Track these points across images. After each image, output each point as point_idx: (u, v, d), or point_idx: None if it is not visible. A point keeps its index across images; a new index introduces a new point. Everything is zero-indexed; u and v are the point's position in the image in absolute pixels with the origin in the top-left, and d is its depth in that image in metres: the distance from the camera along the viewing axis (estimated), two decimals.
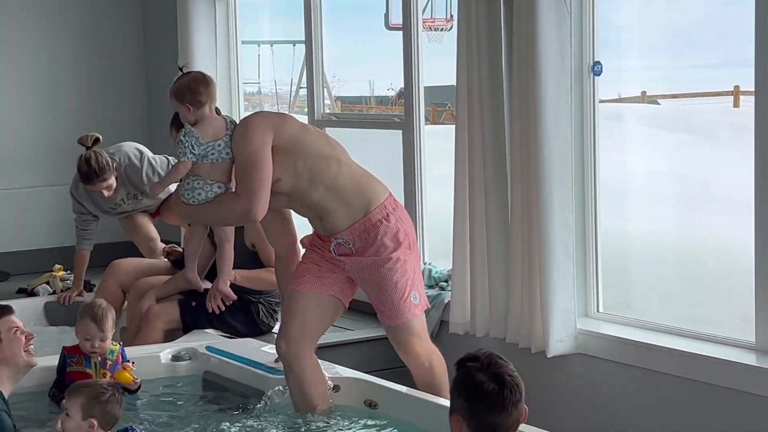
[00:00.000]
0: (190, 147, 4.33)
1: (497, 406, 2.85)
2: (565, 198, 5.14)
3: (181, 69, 4.53)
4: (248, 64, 8.42)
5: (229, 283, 4.82)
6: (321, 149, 4.41)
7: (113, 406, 3.89)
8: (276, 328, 6.22)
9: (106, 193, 6.35)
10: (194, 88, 4.37)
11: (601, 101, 5.40)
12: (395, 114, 7.07)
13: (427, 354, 4.56)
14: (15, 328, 4.26)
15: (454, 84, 5.56)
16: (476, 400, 2.85)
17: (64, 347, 4.89)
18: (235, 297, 4.82)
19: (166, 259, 6.46)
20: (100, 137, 6.44)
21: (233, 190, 4.37)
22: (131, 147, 6.52)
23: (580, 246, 5.30)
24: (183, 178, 4.44)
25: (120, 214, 6.78)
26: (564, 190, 5.13)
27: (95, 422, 3.86)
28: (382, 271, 4.40)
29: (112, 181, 6.34)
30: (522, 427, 3.74)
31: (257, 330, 5.98)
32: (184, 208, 4.42)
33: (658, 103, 7.09)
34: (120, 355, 4.85)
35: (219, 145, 4.36)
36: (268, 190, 4.29)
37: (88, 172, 6.23)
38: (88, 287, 7.13)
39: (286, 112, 4.49)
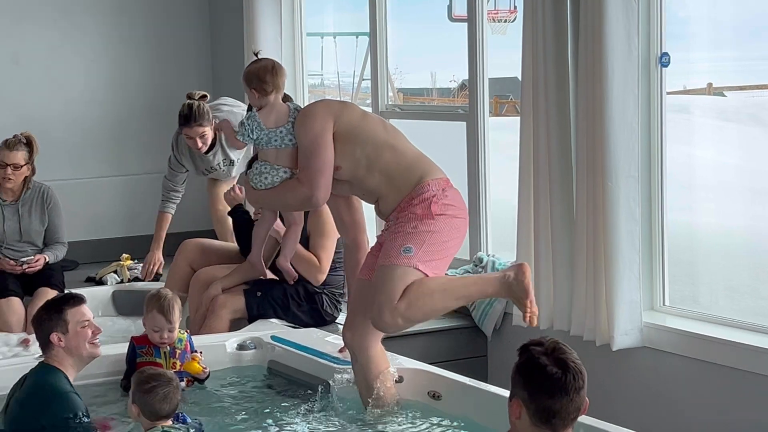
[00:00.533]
0: (249, 131, 4.44)
1: (560, 391, 2.82)
2: (631, 189, 5.10)
3: (256, 54, 4.64)
4: (312, 56, 8.47)
5: (289, 261, 4.80)
6: (377, 136, 4.42)
7: (152, 398, 3.91)
8: (340, 319, 6.26)
9: (199, 142, 6.55)
10: (261, 76, 4.46)
11: (668, 93, 5.34)
12: (459, 106, 7.06)
13: (381, 318, 4.22)
14: (85, 321, 4.33)
15: (517, 76, 5.54)
16: (539, 383, 2.84)
17: (132, 338, 4.96)
18: (295, 275, 4.81)
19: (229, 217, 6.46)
20: (207, 95, 6.63)
21: None
22: (237, 114, 6.60)
23: (647, 238, 5.25)
24: (252, 162, 4.55)
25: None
26: (630, 181, 5.09)
27: (135, 409, 3.94)
28: (397, 225, 4.31)
29: (208, 132, 6.56)
30: (586, 419, 3.76)
31: (321, 320, 6.02)
32: (253, 193, 4.50)
33: (725, 95, 7.00)
34: (188, 344, 4.91)
35: (281, 131, 4.42)
36: (329, 176, 4.34)
37: (188, 115, 6.47)
38: (156, 276, 7.23)
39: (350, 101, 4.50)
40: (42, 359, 4.35)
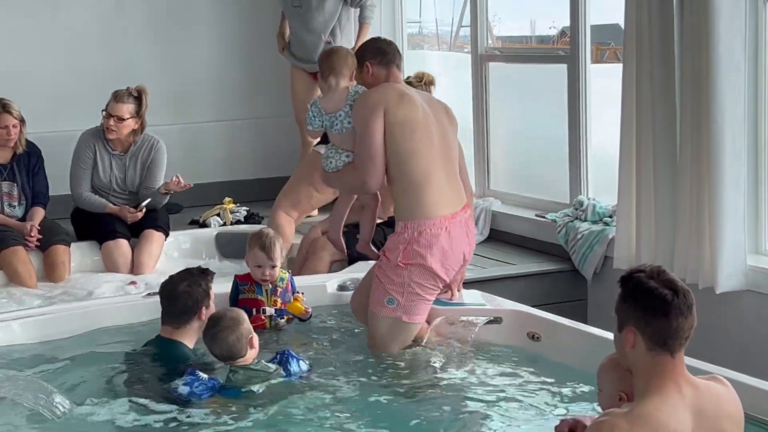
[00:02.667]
0: (312, 117, 4.57)
1: (674, 310, 2.82)
2: (737, 130, 5.01)
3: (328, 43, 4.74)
4: (411, 4, 8.43)
5: (369, 244, 4.83)
6: (411, 146, 4.40)
7: (206, 337, 4.07)
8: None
9: None
10: (320, 60, 4.64)
11: None
12: (560, 48, 6.98)
13: (376, 352, 4.55)
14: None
15: (618, 22, 5.46)
16: (652, 306, 2.83)
17: (236, 275, 5.06)
18: (377, 255, 4.71)
19: None
20: None
21: None
22: None
23: (752, 180, 5.17)
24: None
25: None
26: (736, 122, 5.00)
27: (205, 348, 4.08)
28: (381, 264, 4.51)
29: None
30: (690, 361, 3.73)
31: None
32: (323, 175, 4.65)
33: None
34: (290, 283, 5.00)
35: (340, 115, 4.50)
36: (380, 163, 4.38)
37: None
38: (256, 218, 7.35)
39: (414, 96, 4.45)
40: (148, 295, 4.42)
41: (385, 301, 4.46)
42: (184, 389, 3.94)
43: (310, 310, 4.93)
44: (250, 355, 4.12)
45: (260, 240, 4.94)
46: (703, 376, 2.97)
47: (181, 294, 4.27)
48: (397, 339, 4.52)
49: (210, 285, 4.36)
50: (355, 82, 4.61)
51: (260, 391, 4.03)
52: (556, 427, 3.16)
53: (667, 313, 2.82)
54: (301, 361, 4.23)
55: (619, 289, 2.94)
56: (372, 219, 4.81)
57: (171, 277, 4.41)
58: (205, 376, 4.00)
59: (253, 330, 4.16)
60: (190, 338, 4.31)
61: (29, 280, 6.17)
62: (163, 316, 4.34)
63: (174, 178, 6.56)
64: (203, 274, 4.38)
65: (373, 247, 4.82)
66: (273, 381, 4.09)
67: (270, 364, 4.15)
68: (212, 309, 4.32)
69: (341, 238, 4.92)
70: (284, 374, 4.15)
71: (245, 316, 4.20)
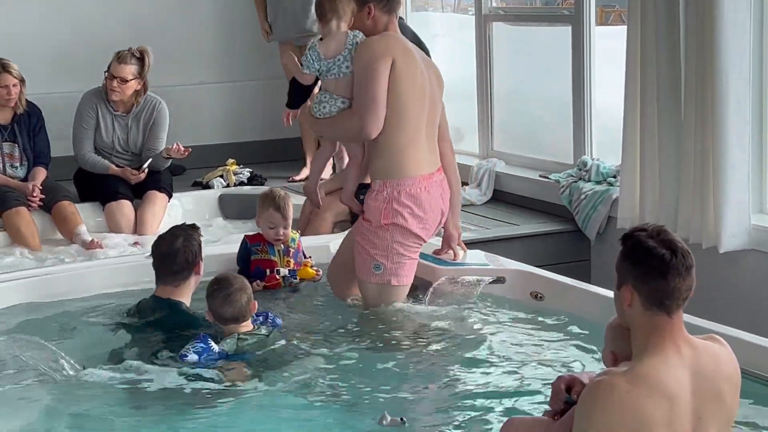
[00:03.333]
0: (311, 61, 4.46)
1: (671, 270, 2.79)
2: (741, 89, 4.98)
3: None
4: None
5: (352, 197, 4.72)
6: (406, 105, 4.38)
7: (215, 301, 3.99)
8: None
9: None
10: (320, 3, 4.53)
11: None
12: (564, 7, 6.93)
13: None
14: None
15: None
16: (649, 265, 2.80)
17: (246, 236, 5.04)
18: (358, 207, 4.65)
19: None
20: None
21: None
22: None
23: (757, 139, 5.14)
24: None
25: None
26: (741, 81, 4.97)
27: (209, 315, 4.03)
28: (362, 229, 4.48)
29: None
30: (693, 319, 3.74)
31: None
32: (311, 120, 4.56)
33: None
34: (300, 243, 5.00)
35: (338, 59, 4.43)
36: (381, 110, 4.33)
37: None
38: (259, 180, 7.33)
39: (415, 54, 4.41)
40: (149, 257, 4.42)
41: (372, 268, 4.45)
42: (193, 357, 3.92)
43: (320, 273, 4.94)
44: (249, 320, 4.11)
45: (274, 200, 4.92)
46: (701, 336, 2.96)
47: (179, 250, 4.21)
48: (385, 299, 4.52)
49: (200, 240, 4.33)
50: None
51: (266, 355, 4.02)
52: (552, 384, 3.16)
53: (665, 273, 2.78)
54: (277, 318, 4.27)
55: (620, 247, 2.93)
56: (358, 171, 4.68)
57: (163, 235, 4.35)
58: (215, 347, 3.96)
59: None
60: (187, 296, 4.28)
61: (32, 240, 6.17)
62: (160, 276, 4.26)
63: (174, 145, 6.54)
64: (193, 228, 4.35)
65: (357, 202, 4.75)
66: (276, 345, 4.09)
67: (262, 328, 4.13)
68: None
69: (317, 190, 4.81)
70: (280, 332, 4.17)
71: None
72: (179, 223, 4.51)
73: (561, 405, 3.04)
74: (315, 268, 4.96)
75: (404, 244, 4.47)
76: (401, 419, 3.33)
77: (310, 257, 5.02)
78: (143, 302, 4.32)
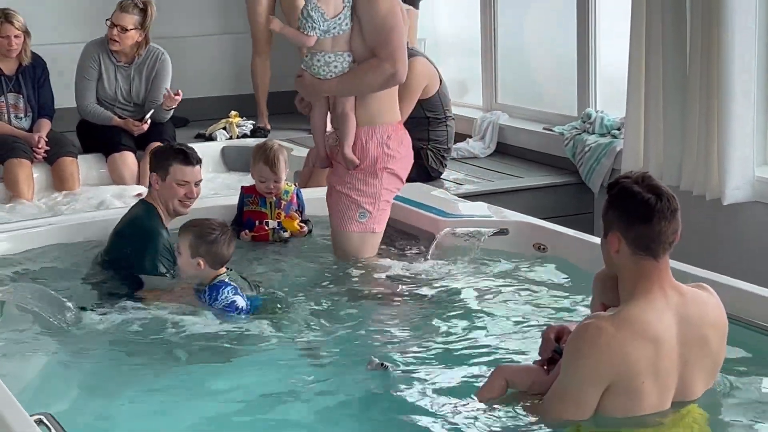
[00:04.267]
0: (318, 23, 4.34)
1: (657, 215, 2.84)
2: (747, 42, 4.95)
3: None
4: None
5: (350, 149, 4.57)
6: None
7: (219, 246, 3.99)
8: (445, 174, 6.29)
9: None
10: None
11: None
12: None
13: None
14: (183, 181, 4.39)
15: None
16: (635, 211, 2.85)
17: (242, 187, 5.06)
18: (358, 163, 4.52)
19: None
20: None
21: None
22: None
23: (762, 92, 5.12)
24: (305, 58, 4.45)
25: None
26: (747, 33, 4.94)
27: (202, 262, 4.01)
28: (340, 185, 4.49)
29: None
30: (696, 270, 3.76)
31: (427, 176, 6.05)
32: (325, 85, 4.42)
33: None
34: (295, 196, 4.99)
35: (339, 18, 4.36)
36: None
37: None
38: (262, 132, 7.33)
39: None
40: (137, 196, 4.51)
41: (356, 216, 4.47)
42: (241, 301, 3.97)
43: (305, 229, 4.91)
44: None
45: (264, 154, 4.90)
46: (690, 284, 2.98)
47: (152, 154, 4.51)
48: (369, 249, 4.56)
49: (171, 162, 4.39)
50: None
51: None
52: (543, 333, 3.20)
53: (650, 217, 2.83)
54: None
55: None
56: (353, 123, 4.49)
57: None
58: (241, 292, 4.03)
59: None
60: (158, 207, 4.40)
61: (27, 192, 6.16)
62: None
63: (165, 93, 6.52)
64: (176, 151, 4.45)
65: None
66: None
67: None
68: (171, 189, 4.37)
69: (326, 151, 4.70)
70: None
71: None
72: None
73: (550, 354, 3.10)
74: (301, 223, 4.92)
75: (390, 190, 4.52)
76: (382, 364, 3.34)
77: (299, 212, 4.97)
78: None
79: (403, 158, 4.54)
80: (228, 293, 3.97)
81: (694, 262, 3.91)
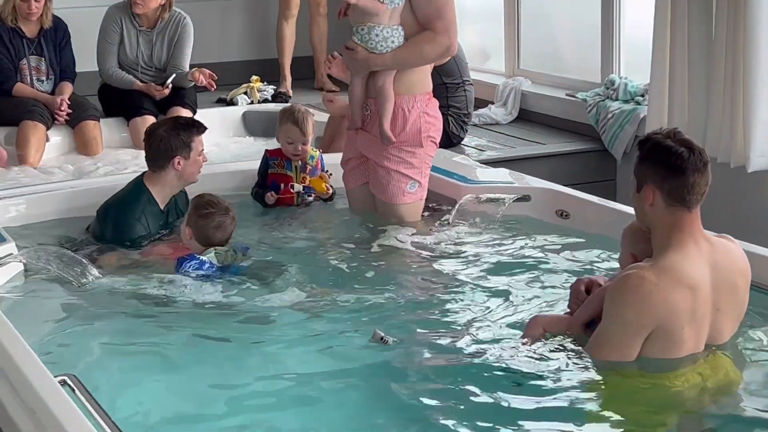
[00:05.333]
0: None
1: (691, 166, 2.95)
2: None
3: None
4: None
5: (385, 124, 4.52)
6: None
7: (209, 224, 4.04)
8: (466, 140, 6.27)
9: None
10: None
11: None
12: None
13: None
14: (202, 150, 4.45)
15: None
16: (670, 163, 2.95)
17: (266, 150, 5.06)
18: (394, 140, 4.54)
19: None
20: None
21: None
22: None
23: None
24: (359, 31, 4.39)
25: None
26: None
27: (189, 232, 4.06)
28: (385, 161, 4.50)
29: None
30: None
31: (448, 141, 6.02)
32: (379, 60, 4.39)
33: None
34: (319, 162, 4.98)
35: None
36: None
37: None
38: (283, 97, 7.32)
39: None
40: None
41: (407, 188, 4.51)
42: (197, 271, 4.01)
43: (331, 190, 4.92)
44: None
45: (293, 115, 4.90)
46: (714, 234, 3.12)
47: (157, 137, 4.40)
48: (418, 216, 4.62)
49: (192, 138, 4.38)
50: None
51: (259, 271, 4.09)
52: (571, 286, 3.31)
53: (684, 169, 2.95)
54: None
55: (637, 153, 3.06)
56: (392, 99, 4.51)
57: (157, 121, 4.42)
58: (207, 262, 4.03)
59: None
60: (160, 189, 4.42)
61: (35, 155, 6.14)
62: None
63: (198, 74, 6.50)
64: (188, 126, 4.43)
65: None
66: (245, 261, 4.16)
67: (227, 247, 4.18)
68: (196, 163, 4.41)
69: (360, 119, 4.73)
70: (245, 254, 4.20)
71: None
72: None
73: (580, 305, 3.19)
74: (329, 186, 4.93)
75: (431, 156, 4.58)
76: (382, 338, 3.30)
77: (329, 173, 4.98)
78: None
79: (439, 124, 4.57)
80: (188, 267, 3.99)
81: (718, 230, 3.89)
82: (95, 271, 3.92)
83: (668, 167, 2.95)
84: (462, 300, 3.79)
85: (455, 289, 3.90)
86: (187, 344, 3.44)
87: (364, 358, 3.27)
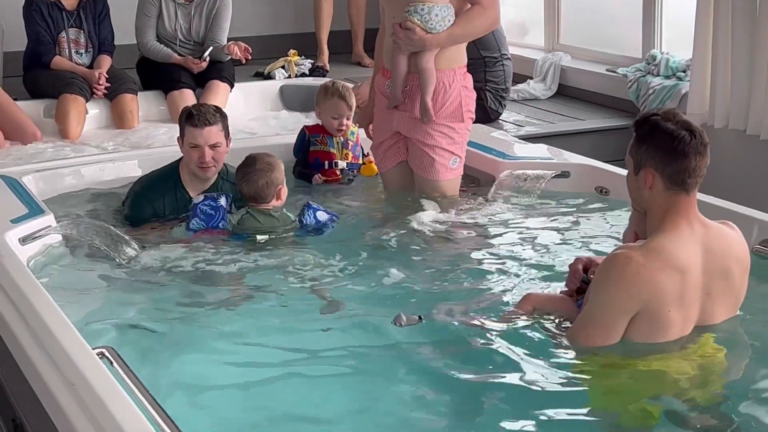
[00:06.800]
0: None
1: (693, 150, 2.90)
2: None
3: None
4: None
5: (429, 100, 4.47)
6: None
7: (238, 177, 4.17)
8: (504, 115, 6.23)
9: None
10: None
11: None
12: None
13: None
14: (193, 143, 4.29)
15: None
16: (670, 146, 2.90)
17: (305, 127, 5.02)
18: (434, 118, 4.47)
19: None
20: None
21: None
22: None
23: None
24: (418, 11, 4.30)
25: None
26: None
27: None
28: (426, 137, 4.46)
29: None
30: (754, 213, 3.72)
31: (486, 117, 5.99)
32: (435, 39, 4.32)
33: None
34: (359, 136, 4.96)
35: None
36: None
37: None
38: (321, 71, 7.30)
39: None
40: None
41: (449, 164, 4.49)
42: (195, 223, 4.12)
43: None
44: (274, 204, 4.17)
45: (338, 90, 4.88)
46: (716, 221, 3.05)
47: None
48: (457, 188, 4.60)
49: (185, 126, 4.30)
50: None
51: (263, 241, 4.08)
52: (570, 265, 3.27)
53: (687, 153, 2.90)
54: (319, 212, 4.22)
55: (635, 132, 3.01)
56: (434, 74, 4.44)
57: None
58: (224, 204, 4.12)
59: (284, 182, 4.19)
60: (188, 175, 4.38)
61: (75, 128, 6.13)
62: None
63: (234, 47, 6.49)
64: (191, 115, 4.31)
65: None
66: (283, 234, 4.12)
67: (290, 215, 4.18)
68: (188, 153, 4.31)
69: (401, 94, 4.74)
70: (299, 226, 4.18)
71: (281, 165, 4.20)
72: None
73: (577, 284, 3.18)
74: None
75: (469, 131, 4.54)
76: (419, 317, 3.25)
77: (369, 154, 4.95)
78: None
79: (474, 97, 4.56)
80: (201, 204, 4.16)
81: (759, 207, 3.86)
82: (135, 246, 3.93)
83: (670, 151, 2.89)
84: (491, 281, 3.74)
85: (487, 268, 3.87)
86: (224, 321, 3.45)
87: (383, 338, 3.23)
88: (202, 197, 4.20)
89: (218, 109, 4.42)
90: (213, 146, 4.30)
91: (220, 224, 4.12)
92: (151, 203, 4.35)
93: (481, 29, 4.45)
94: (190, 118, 4.31)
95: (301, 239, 4.15)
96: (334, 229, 4.23)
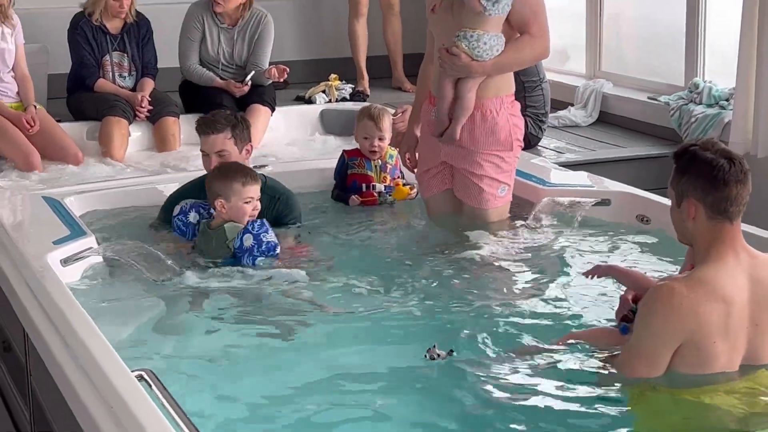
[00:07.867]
0: (505, 3, 4.24)
1: (732, 177, 2.90)
2: None
3: None
4: None
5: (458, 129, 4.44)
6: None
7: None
8: (543, 142, 6.20)
9: None
10: None
11: None
12: None
13: None
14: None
15: None
16: (712, 176, 2.90)
17: (344, 151, 5.06)
18: (457, 138, 4.41)
19: None
20: None
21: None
22: None
23: None
24: (467, 37, 4.27)
25: None
26: None
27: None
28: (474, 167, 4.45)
29: None
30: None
31: (526, 142, 5.93)
32: (480, 67, 4.30)
33: None
34: (398, 161, 4.97)
35: None
36: None
37: None
38: (361, 96, 7.32)
39: None
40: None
41: (498, 193, 4.49)
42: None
43: (413, 193, 4.91)
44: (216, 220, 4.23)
45: (369, 111, 4.94)
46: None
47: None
48: (506, 214, 4.59)
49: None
50: None
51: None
52: (621, 296, 3.30)
53: (727, 181, 2.90)
54: (247, 235, 4.10)
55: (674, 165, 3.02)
56: (472, 103, 4.42)
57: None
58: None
59: (228, 197, 4.13)
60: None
61: (119, 150, 6.17)
62: None
63: (273, 69, 6.53)
64: (230, 173, 4.19)
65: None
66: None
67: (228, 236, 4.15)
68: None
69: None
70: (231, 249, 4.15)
71: (234, 174, 4.15)
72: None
73: (625, 312, 3.21)
74: (408, 185, 4.93)
75: (518, 159, 4.56)
76: (450, 351, 3.21)
77: (401, 177, 4.98)
78: None
79: (522, 125, 4.56)
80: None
81: None
82: (175, 267, 3.94)
83: (710, 180, 2.90)
84: (528, 308, 3.73)
85: (525, 294, 3.87)
86: (267, 347, 3.44)
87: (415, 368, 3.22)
88: (178, 209, 4.25)
89: (232, 117, 4.48)
90: (219, 154, 4.37)
91: (194, 240, 4.20)
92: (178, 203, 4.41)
93: (529, 59, 4.46)
94: (198, 126, 4.44)
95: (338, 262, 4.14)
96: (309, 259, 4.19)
